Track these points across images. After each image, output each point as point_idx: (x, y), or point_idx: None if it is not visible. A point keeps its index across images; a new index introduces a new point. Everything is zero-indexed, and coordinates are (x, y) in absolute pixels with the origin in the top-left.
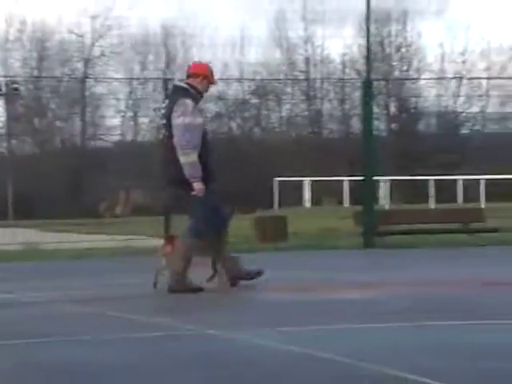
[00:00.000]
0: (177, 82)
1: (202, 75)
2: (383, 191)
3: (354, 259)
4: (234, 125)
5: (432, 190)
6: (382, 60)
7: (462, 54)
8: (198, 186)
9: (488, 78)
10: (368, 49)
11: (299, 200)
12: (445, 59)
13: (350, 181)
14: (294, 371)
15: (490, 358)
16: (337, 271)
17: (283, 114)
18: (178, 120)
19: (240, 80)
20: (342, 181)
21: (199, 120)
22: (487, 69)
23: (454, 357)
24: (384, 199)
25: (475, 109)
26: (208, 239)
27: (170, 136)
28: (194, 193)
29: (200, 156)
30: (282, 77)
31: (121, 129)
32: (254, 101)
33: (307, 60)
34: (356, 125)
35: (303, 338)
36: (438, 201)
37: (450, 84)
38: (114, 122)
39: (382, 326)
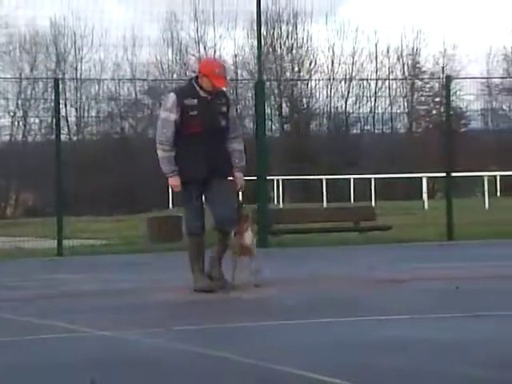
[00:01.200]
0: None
1: (202, 73)
2: (277, 191)
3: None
4: (126, 125)
5: (324, 190)
6: (274, 61)
7: (352, 55)
8: (170, 181)
9: (377, 79)
10: (259, 50)
11: None
12: (335, 61)
13: (246, 180)
14: (189, 370)
15: (380, 352)
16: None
17: None
18: (160, 113)
19: (132, 80)
20: None
21: (173, 116)
22: (376, 70)
23: (346, 352)
24: (277, 199)
25: (365, 109)
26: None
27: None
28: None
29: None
30: (174, 77)
31: (10, 129)
32: (147, 101)
33: (199, 61)
34: (249, 125)
35: (198, 337)
36: (330, 200)
37: (341, 85)
38: (3, 122)
39: (277, 324)
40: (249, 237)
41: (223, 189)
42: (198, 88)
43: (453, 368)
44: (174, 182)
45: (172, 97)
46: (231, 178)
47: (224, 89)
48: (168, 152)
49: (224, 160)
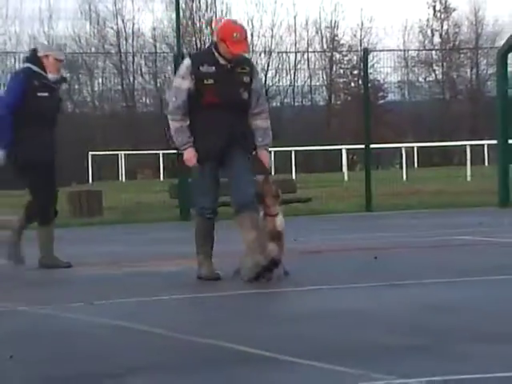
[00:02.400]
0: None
1: (219, 38)
2: None
3: (169, 232)
4: None
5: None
6: (193, 34)
7: (271, 28)
8: (185, 154)
9: (296, 52)
10: (178, 23)
11: (115, 174)
12: (254, 33)
13: (166, 154)
14: (110, 343)
15: (298, 323)
16: (152, 244)
17: (95, 88)
18: (173, 80)
19: None
20: (157, 154)
21: (186, 84)
22: (295, 43)
23: (266, 323)
24: None
25: (284, 82)
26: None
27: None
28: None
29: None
30: (93, 50)
31: None
32: (65, 75)
33: (118, 34)
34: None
35: (119, 311)
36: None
37: (260, 58)
38: None
39: (194, 297)
40: (281, 221)
41: (243, 164)
42: (216, 54)
43: (366, 336)
44: (189, 154)
45: (186, 63)
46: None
47: (247, 56)
48: (179, 122)
49: (245, 137)
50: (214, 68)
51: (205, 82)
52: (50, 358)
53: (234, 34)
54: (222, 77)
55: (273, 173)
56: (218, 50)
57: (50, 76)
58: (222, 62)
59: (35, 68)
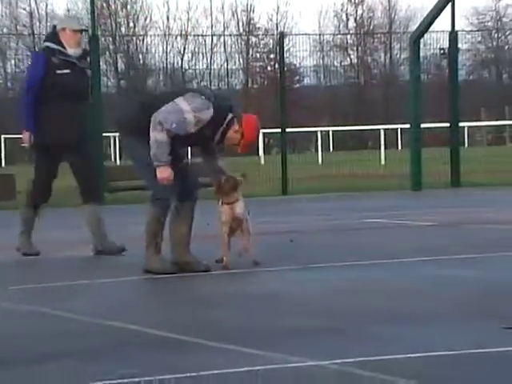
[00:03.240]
0: None
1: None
2: (113, 148)
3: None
4: None
5: None
6: (109, 16)
7: (187, 11)
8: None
9: (212, 36)
10: (92, 4)
11: (27, 157)
12: (170, 16)
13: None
14: (25, 329)
15: (214, 307)
16: (66, 228)
17: (8, 70)
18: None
19: None
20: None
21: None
22: (211, 26)
23: (182, 307)
24: (114, 156)
25: (201, 65)
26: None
27: None
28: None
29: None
30: (5, 31)
31: None
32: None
33: (31, 15)
34: None
35: (36, 296)
36: None
37: (176, 41)
38: None
39: (113, 281)
40: (240, 207)
41: None
42: None
43: (280, 319)
44: (167, 172)
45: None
46: None
47: None
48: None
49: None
50: None
51: None
52: None
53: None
54: None
55: (189, 156)
56: None
57: (71, 51)
58: None
59: (53, 45)
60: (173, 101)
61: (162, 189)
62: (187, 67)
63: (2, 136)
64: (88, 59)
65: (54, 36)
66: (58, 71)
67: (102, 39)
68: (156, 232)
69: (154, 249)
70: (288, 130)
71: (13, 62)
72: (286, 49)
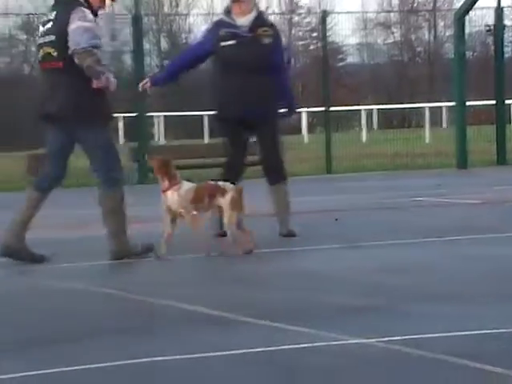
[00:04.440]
0: None
1: None
2: (157, 127)
3: (129, 195)
4: (0, 62)
5: (206, 126)
6: None
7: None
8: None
9: None
10: None
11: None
12: None
13: (125, 117)
14: (69, 306)
15: (256, 287)
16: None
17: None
18: (75, 23)
19: (5, 15)
20: (117, 117)
21: (100, 33)
22: None
23: (225, 284)
24: (158, 135)
25: None
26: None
27: (60, 57)
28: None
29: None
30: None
31: None
32: (22, 37)
33: None
34: (128, 61)
35: (77, 274)
36: (211, 136)
37: None
38: None
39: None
40: (172, 196)
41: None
42: (88, 7)
43: (321, 297)
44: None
45: (89, 13)
46: None
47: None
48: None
49: None
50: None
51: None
52: (5, 321)
53: None
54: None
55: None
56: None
57: (241, 21)
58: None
59: (225, 17)
60: (70, 32)
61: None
62: None
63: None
64: (266, 27)
65: (226, 8)
66: (222, 43)
67: (145, 19)
68: (124, 215)
69: (125, 232)
70: (331, 108)
71: None
72: (328, 27)
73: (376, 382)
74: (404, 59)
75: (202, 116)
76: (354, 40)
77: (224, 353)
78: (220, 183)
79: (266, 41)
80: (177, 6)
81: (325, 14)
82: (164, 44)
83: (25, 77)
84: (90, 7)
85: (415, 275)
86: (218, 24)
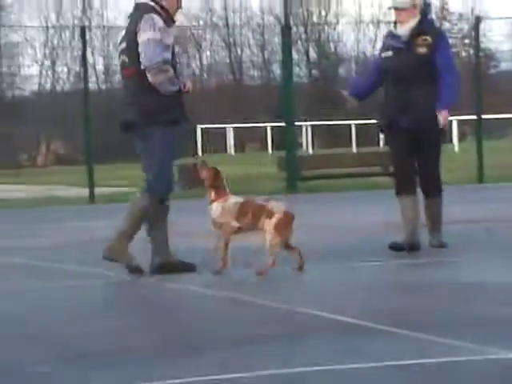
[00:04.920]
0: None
1: None
2: (305, 137)
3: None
4: None
5: (353, 135)
6: (300, 5)
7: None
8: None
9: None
10: None
11: (223, 147)
12: (362, 4)
13: (273, 127)
14: (225, 314)
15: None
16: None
17: (204, 61)
18: (146, 34)
19: None
20: (265, 127)
21: (170, 40)
22: None
23: (378, 296)
24: (306, 145)
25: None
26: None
27: (132, 64)
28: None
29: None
30: (201, 24)
31: (39, 78)
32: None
33: (225, 6)
34: (276, 71)
35: (225, 282)
36: (359, 145)
37: (368, 29)
38: (31, 71)
39: (328, 268)
40: (216, 208)
41: None
42: (163, 12)
43: (481, 308)
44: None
45: (159, 19)
46: None
47: None
48: (171, 72)
49: None
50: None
51: None
52: (169, 324)
53: None
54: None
55: (381, 144)
56: (160, 6)
57: (401, 31)
58: (167, 18)
59: (392, 28)
60: (140, 44)
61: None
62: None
63: (199, 126)
64: (426, 35)
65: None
66: (383, 54)
67: (294, 28)
68: (140, 225)
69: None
70: (483, 116)
71: (208, 53)
72: (481, 33)
73: None
74: None
75: (349, 125)
76: (508, 46)
77: (377, 364)
78: (270, 203)
79: (422, 51)
80: (326, 15)
81: (478, 20)
82: (312, 53)
83: None
84: (165, 12)
85: None
86: (386, 35)
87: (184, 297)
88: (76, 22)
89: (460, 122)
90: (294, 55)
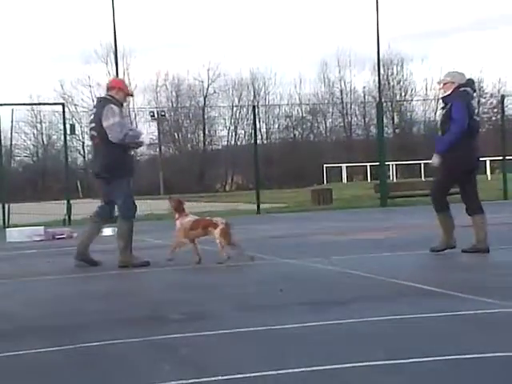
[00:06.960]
0: (101, 95)
1: (117, 88)
2: (391, 171)
3: (374, 214)
4: (296, 132)
5: (422, 170)
6: (389, 89)
7: (438, 83)
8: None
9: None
10: (379, 82)
11: (339, 178)
12: (428, 87)
13: (371, 165)
14: (335, 283)
15: None
16: (364, 221)
17: (327, 125)
18: (110, 119)
19: (300, 104)
20: (365, 165)
21: (124, 120)
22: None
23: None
24: (392, 176)
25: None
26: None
27: (98, 136)
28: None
29: (124, 151)
30: (326, 102)
31: (227, 137)
32: (309, 117)
33: (341, 91)
34: (373, 130)
35: (344, 262)
36: (426, 176)
37: (432, 102)
38: (222, 133)
39: (411, 254)
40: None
41: None
42: (115, 101)
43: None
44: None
45: (115, 107)
46: None
47: None
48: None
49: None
50: (119, 109)
51: None
52: (304, 289)
53: (124, 83)
54: None
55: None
56: (113, 98)
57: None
58: (118, 104)
59: (469, 90)
60: (107, 127)
61: (132, 208)
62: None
63: (324, 165)
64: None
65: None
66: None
67: (384, 104)
68: (131, 238)
69: (130, 250)
70: (507, 157)
71: (330, 120)
72: (505, 105)
73: None
74: None
75: (420, 163)
76: None
77: (447, 314)
78: (214, 219)
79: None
80: (405, 95)
81: (503, 98)
82: (396, 119)
83: (310, 142)
84: (117, 101)
85: None
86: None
87: (316, 271)
88: (249, 102)
89: (491, 161)
90: (384, 120)
